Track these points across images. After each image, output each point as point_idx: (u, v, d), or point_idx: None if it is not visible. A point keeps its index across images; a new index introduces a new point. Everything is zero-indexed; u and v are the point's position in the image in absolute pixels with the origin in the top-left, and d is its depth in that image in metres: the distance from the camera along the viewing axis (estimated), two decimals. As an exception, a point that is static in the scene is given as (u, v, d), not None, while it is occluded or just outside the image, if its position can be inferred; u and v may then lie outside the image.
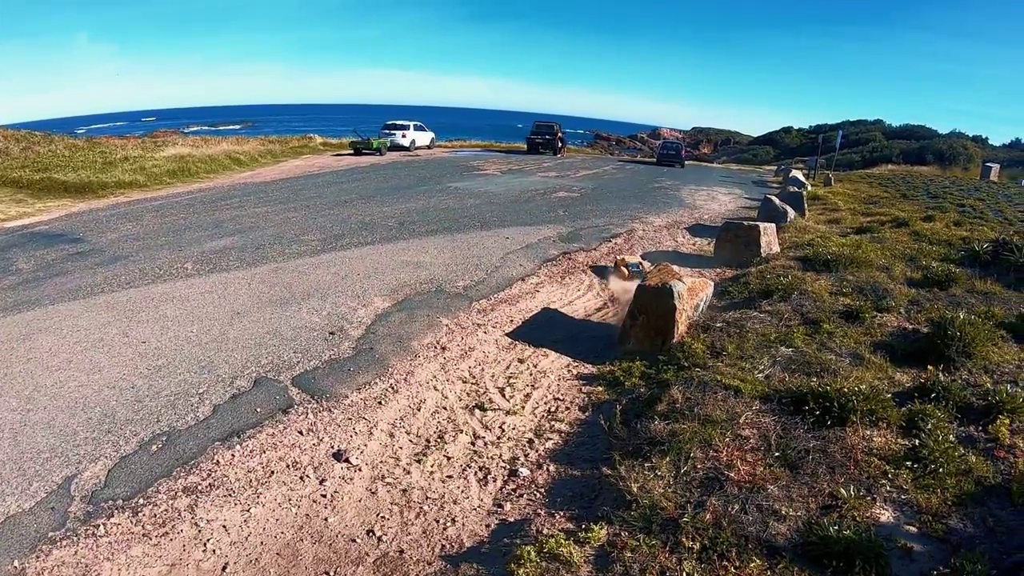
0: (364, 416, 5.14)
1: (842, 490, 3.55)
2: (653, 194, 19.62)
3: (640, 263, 9.64)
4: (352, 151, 28.27)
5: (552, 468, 4.49)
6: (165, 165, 19.72)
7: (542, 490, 4.22)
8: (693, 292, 6.68)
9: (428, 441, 4.91)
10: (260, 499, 4.06)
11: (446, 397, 5.63)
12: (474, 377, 6.08)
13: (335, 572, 3.53)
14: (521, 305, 8.10)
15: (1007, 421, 4.23)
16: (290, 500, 4.09)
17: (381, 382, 5.72)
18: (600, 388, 5.80)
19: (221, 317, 6.94)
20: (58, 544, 3.54)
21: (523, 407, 5.50)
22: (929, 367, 5.16)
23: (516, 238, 11.48)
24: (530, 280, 9.15)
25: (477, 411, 5.41)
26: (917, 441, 4.05)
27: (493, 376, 6.11)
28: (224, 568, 3.53)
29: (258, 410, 5.05)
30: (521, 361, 6.46)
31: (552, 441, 4.92)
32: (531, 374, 6.18)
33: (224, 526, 3.80)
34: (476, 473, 4.50)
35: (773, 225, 11.12)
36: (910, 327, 6.27)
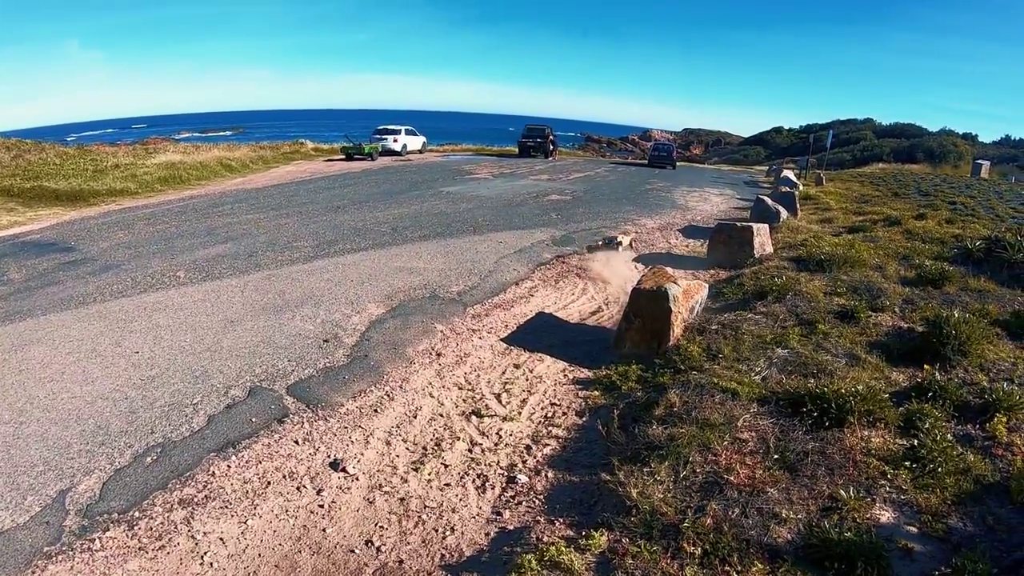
0: (360, 424, 5.11)
1: (842, 492, 3.55)
2: (646, 196, 19.66)
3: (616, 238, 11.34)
4: (344, 156, 28.22)
5: (551, 474, 4.47)
6: (156, 172, 19.61)
7: (541, 497, 4.20)
8: (688, 295, 6.68)
9: (425, 449, 4.88)
10: (257, 510, 4.02)
11: (442, 404, 5.61)
12: (470, 383, 6.05)
13: (334, 583, 3.50)
14: (516, 310, 8.08)
15: (1004, 419, 4.24)
16: (287, 511, 4.06)
17: (376, 390, 5.69)
18: (597, 393, 5.78)
19: (214, 326, 6.90)
20: (54, 559, 3.50)
21: (520, 413, 5.48)
22: (925, 366, 5.17)
23: (509, 242, 11.47)
24: (524, 284, 9.14)
25: (474, 418, 5.39)
26: (915, 441, 4.06)
27: (489, 382, 6.09)
28: (221, 581, 3.49)
29: (253, 420, 5.01)
30: (517, 366, 6.44)
31: (550, 447, 4.90)
32: (527, 379, 6.16)
33: (221, 539, 3.76)
34: (474, 481, 4.47)
35: (766, 226, 11.14)
36: (905, 326, 6.29)
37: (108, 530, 3.74)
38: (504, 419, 5.36)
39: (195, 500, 4.05)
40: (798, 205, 16.15)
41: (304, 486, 4.31)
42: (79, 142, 35.08)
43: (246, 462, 4.48)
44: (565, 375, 6.29)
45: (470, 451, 4.88)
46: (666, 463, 3.97)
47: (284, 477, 4.38)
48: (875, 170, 39.89)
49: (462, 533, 3.88)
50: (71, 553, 3.55)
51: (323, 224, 12.65)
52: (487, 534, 3.87)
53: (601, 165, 33.08)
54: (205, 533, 3.78)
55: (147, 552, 3.60)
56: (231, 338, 6.56)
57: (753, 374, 5.27)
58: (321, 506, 4.13)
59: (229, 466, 4.42)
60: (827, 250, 9.16)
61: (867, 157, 55.50)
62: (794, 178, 24.54)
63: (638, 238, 12.66)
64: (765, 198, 14.78)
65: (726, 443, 4.14)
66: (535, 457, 4.75)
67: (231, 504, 4.05)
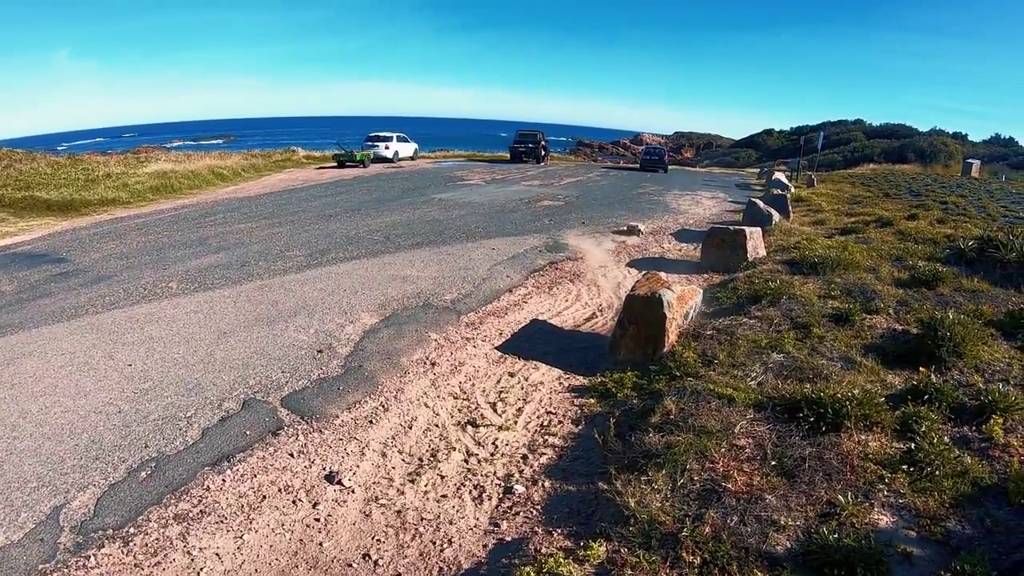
0: (355, 436, 5.08)
1: (840, 497, 3.53)
2: (638, 200, 19.70)
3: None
4: (335, 164, 28.21)
5: (547, 484, 4.45)
6: (148, 181, 19.56)
7: (538, 507, 4.17)
8: (682, 300, 6.67)
9: (421, 460, 4.85)
10: (253, 525, 3.98)
11: (437, 414, 5.58)
12: (465, 392, 6.03)
13: (331, 598, 3.47)
14: (510, 317, 8.07)
15: (1001, 420, 4.24)
16: (283, 525, 4.02)
17: (371, 401, 5.67)
18: (592, 400, 5.76)
19: (207, 337, 6.85)
20: (47, 578, 3.46)
21: (515, 422, 5.45)
22: (921, 368, 5.18)
23: (502, 249, 11.47)
24: (518, 291, 9.13)
25: (469, 427, 5.36)
26: (912, 444, 4.04)
27: (484, 391, 6.07)
28: (217, 598, 3.46)
29: (248, 433, 4.97)
30: (512, 375, 6.42)
31: (546, 456, 4.87)
32: (522, 388, 6.14)
33: (217, 554, 3.73)
34: (471, 491, 4.44)
35: (759, 229, 11.15)
36: (900, 328, 6.30)
37: (103, 547, 3.70)
38: (500, 428, 5.34)
39: (190, 515, 4.02)
40: (790, 207, 16.19)
41: (300, 499, 4.27)
42: (70, 151, 34.98)
43: (241, 476, 4.45)
44: (560, 383, 6.27)
45: (466, 461, 4.85)
46: (663, 471, 3.95)
47: (280, 491, 4.34)
48: (866, 171, 40.15)
49: (460, 545, 3.86)
50: (66, 571, 3.51)
51: (315, 232, 12.62)
52: (485, 546, 3.84)
53: (593, 170, 33.17)
54: (201, 549, 3.74)
55: (142, 568, 3.56)
56: (224, 349, 6.52)
57: (749, 379, 5.26)
58: (317, 520, 4.10)
59: (224, 480, 4.38)
60: (820, 252, 9.17)
61: (858, 158, 55.83)
62: (785, 180, 24.61)
63: (631, 242, 12.68)
64: (757, 201, 14.80)
65: (723, 450, 4.13)
66: (532, 467, 4.73)
67: (226, 519, 4.01)
